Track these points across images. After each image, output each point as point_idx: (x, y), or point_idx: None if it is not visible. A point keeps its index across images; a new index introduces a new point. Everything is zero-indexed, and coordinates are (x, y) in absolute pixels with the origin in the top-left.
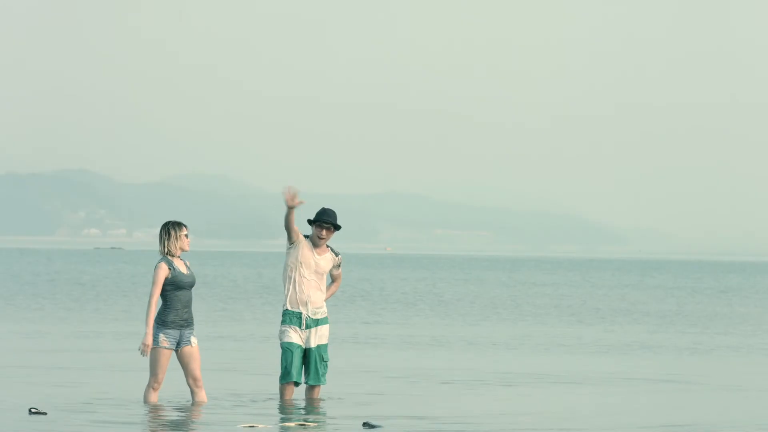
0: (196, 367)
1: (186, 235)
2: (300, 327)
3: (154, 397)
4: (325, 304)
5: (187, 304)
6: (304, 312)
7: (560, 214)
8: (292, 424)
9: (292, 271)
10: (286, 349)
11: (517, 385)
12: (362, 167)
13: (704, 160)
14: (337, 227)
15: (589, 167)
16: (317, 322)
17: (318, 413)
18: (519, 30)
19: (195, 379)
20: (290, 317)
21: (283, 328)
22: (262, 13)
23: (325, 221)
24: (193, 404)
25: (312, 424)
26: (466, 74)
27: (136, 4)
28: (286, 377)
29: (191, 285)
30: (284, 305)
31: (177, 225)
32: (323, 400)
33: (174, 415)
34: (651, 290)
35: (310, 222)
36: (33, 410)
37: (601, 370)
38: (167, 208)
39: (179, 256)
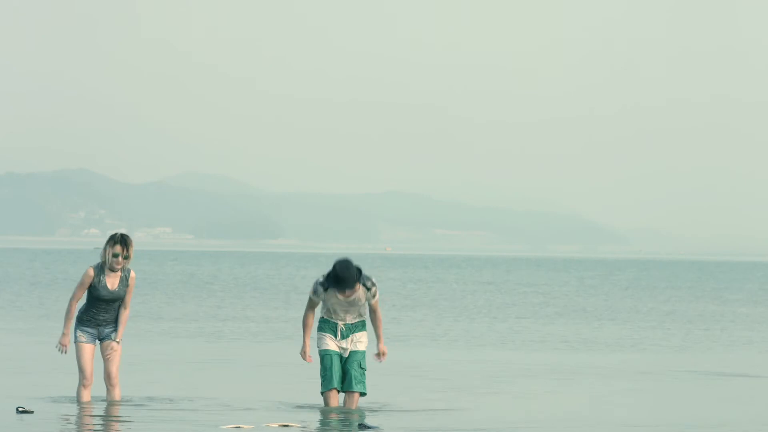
0: (112, 362)
1: (115, 255)
2: (336, 336)
3: (85, 396)
4: (364, 312)
5: (107, 310)
6: (340, 323)
7: (560, 214)
8: (274, 425)
9: (323, 309)
10: (324, 355)
11: (512, 383)
12: (362, 167)
13: (704, 160)
14: (357, 282)
15: (589, 167)
16: (353, 329)
17: (314, 414)
18: (519, 29)
19: (108, 375)
20: (326, 325)
21: (320, 335)
22: (263, 13)
23: (341, 290)
24: (106, 400)
25: (296, 425)
26: (466, 74)
27: (136, 4)
28: (326, 384)
29: (111, 300)
30: (321, 314)
31: (110, 241)
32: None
33: (159, 414)
34: (645, 290)
35: (324, 285)
36: (20, 409)
37: (601, 366)
38: (167, 208)
39: (120, 269)
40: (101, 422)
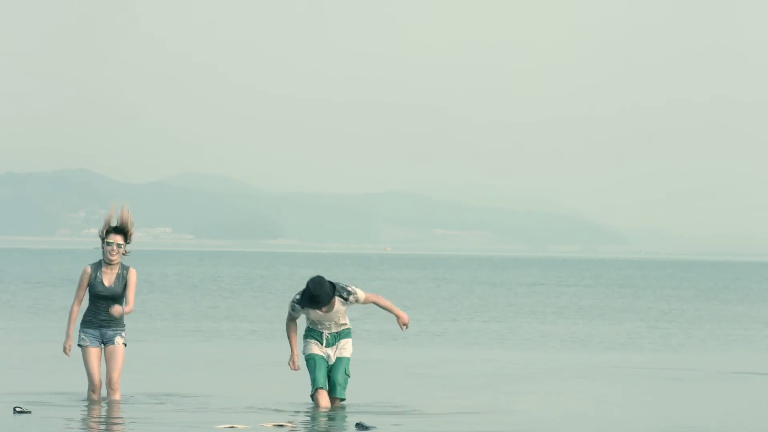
0: (113, 367)
1: (109, 243)
2: (321, 343)
3: (94, 397)
4: (348, 320)
5: (107, 310)
6: (325, 332)
7: (560, 214)
8: (269, 425)
9: (307, 320)
10: (309, 359)
11: (513, 383)
12: (362, 167)
13: (704, 160)
14: (332, 298)
15: (589, 167)
16: (338, 337)
17: (310, 413)
18: (520, 29)
19: (109, 380)
20: (312, 333)
21: (306, 342)
22: (263, 13)
23: (315, 308)
24: (105, 401)
25: (289, 425)
26: (466, 74)
27: (136, 4)
28: (313, 384)
29: (110, 298)
30: (307, 324)
31: (106, 232)
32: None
33: (154, 413)
34: (644, 290)
35: (300, 303)
36: (17, 409)
37: (599, 365)
38: (167, 208)
39: (118, 264)
40: (98, 422)
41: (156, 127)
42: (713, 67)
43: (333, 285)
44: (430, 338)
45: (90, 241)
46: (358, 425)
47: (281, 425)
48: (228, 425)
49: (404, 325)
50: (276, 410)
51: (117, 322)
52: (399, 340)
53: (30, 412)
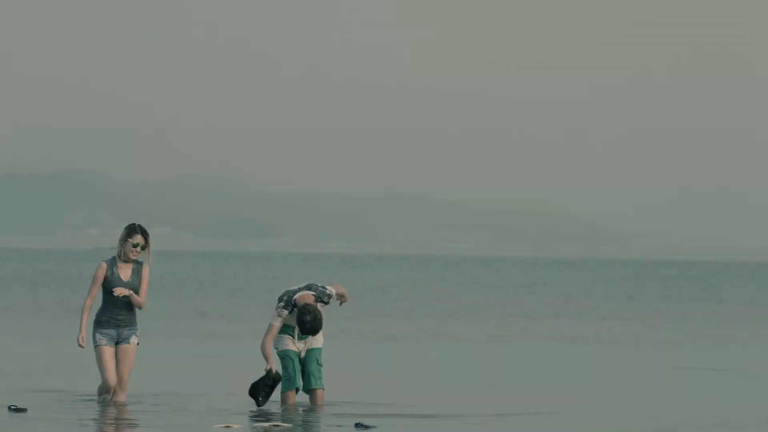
0: (124, 366)
1: (135, 245)
2: (294, 337)
3: (107, 397)
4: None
5: (123, 308)
6: (297, 327)
7: (560, 214)
8: (266, 425)
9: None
10: (285, 356)
11: (506, 382)
12: (362, 167)
13: (705, 160)
14: (321, 321)
15: (588, 167)
16: None
17: (309, 413)
18: (520, 29)
19: (119, 379)
20: (284, 328)
21: (279, 337)
22: (260, 12)
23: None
24: (110, 401)
25: (286, 425)
26: (465, 73)
27: (136, 3)
28: (288, 384)
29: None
30: None
31: (129, 231)
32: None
33: (150, 413)
34: (642, 290)
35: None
36: (12, 407)
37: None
38: (167, 208)
39: (133, 261)
40: (93, 421)
41: (156, 127)
42: (713, 66)
43: (315, 299)
44: (430, 338)
45: (90, 241)
46: (358, 425)
47: (278, 425)
48: (224, 425)
49: (344, 301)
50: (272, 409)
51: (132, 322)
52: (397, 339)
53: (26, 410)
